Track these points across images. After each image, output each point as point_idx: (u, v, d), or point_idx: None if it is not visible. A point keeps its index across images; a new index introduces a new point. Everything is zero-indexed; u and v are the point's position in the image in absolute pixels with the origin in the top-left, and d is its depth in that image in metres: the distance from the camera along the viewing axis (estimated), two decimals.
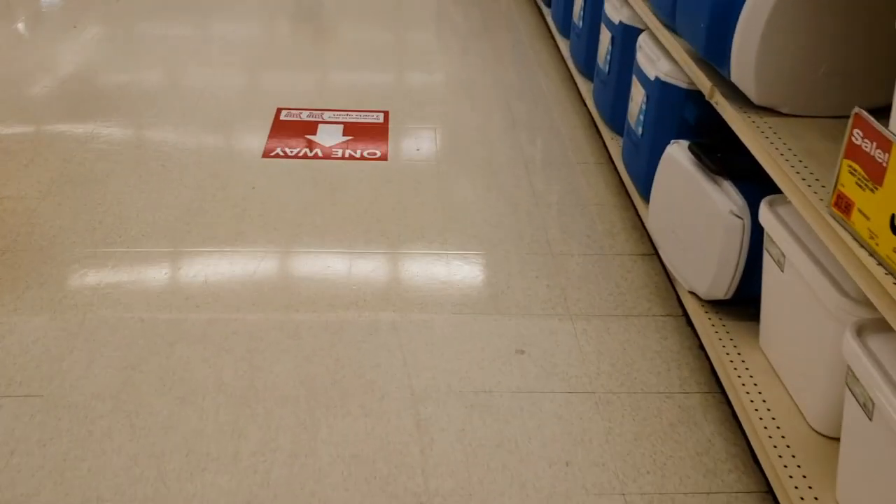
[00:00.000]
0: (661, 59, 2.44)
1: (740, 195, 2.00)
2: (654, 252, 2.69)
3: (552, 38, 4.37)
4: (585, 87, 3.56)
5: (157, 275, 2.51)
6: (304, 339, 2.25)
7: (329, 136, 3.37)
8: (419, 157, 3.25)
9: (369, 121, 3.53)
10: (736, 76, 1.87)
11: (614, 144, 3.07)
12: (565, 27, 3.93)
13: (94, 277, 2.46)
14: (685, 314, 2.38)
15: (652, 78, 2.45)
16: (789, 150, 1.77)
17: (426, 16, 4.96)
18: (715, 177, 2.06)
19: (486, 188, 3.03)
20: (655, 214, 2.38)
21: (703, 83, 2.09)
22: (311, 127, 3.44)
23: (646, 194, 2.61)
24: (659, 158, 2.42)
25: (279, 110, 3.57)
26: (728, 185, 2.03)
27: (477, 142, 3.38)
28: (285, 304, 2.38)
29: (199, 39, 4.42)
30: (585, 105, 3.60)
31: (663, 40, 2.43)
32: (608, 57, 3.04)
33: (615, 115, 3.04)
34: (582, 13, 3.49)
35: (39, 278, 2.43)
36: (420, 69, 4.19)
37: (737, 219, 1.98)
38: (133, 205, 2.82)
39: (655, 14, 2.51)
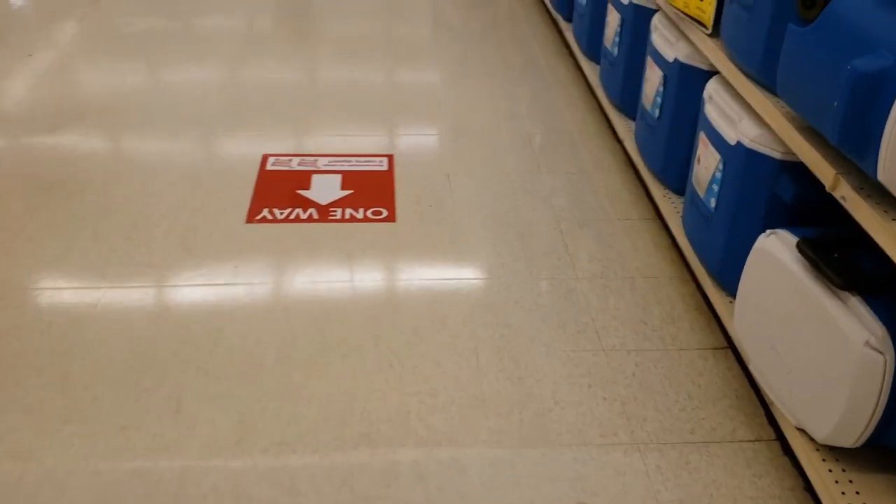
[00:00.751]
0: (745, 118, 1.94)
1: (878, 320, 1.51)
2: (728, 344, 2.21)
3: (579, 67, 3.87)
4: (623, 124, 3.06)
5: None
6: (305, 497, 1.76)
7: (325, 191, 2.86)
8: (432, 215, 2.75)
9: (371, 168, 3.03)
10: (886, 176, 1.38)
11: (666, 202, 2.58)
12: (593, 52, 3.44)
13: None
14: (780, 437, 1.91)
15: (732, 142, 1.96)
16: None
17: (425, 34, 4.44)
18: (839, 290, 1.58)
19: (514, 257, 2.54)
20: (744, 317, 1.90)
21: (822, 170, 1.60)
22: (304, 179, 2.93)
23: (719, 276, 2.13)
24: (739, 238, 1.96)
25: (265, 158, 3.06)
26: (858, 303, 1.55)
27: (497, 192, 2.88)
28: (277, 442, 1.88)
29: (171, 75, 3.89)
30: (622, 145, 3.10)
31: (747, 95, 1.94)
32: (657, 99, 2.54)
33: (668, 168, 2.55)
34: (617, 40, 2.99)
35: None
36: (426, 99, 3.68)
37: (875, 353, 1.49)
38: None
39: (732, 59, 2.01)
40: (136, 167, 2.97)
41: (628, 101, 2.99)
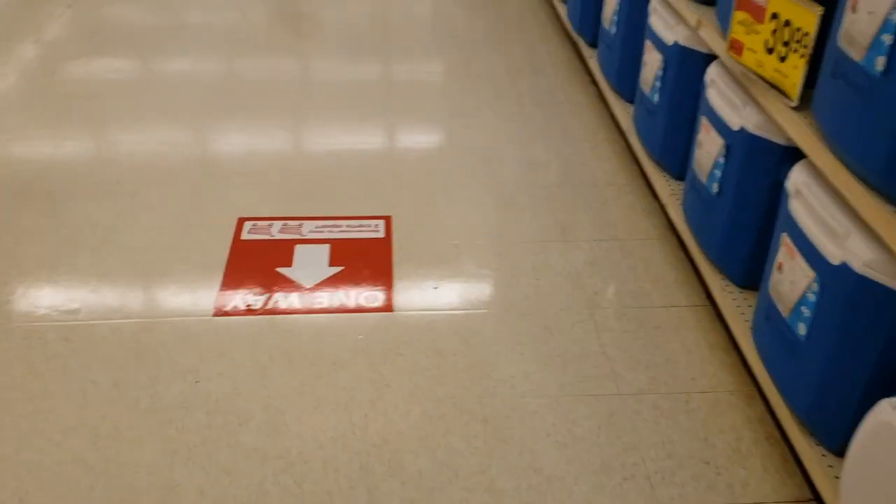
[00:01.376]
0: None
1: None
2: (813, 498, 1.75)
3: (605, 101, 3.39)
4: (663, 183, 2.59)
5: None
6: None
7: (310, 269, 2.39)
8: (436, 302, 2.28)
9: (365, 234, 2.56)
10: None
11: (725, 295, 2.11)
12: (625, 90, 2.97)
13: None
14: None
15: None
16: None
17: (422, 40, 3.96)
18: None
19: (540, 364, 2.08)
20: (857, 489, 1.43)
21: None
22: (285, 252, 2.46)
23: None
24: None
25: (241, 222, 2.59)
26: None
27: (515, 266, 2.41)
28: None
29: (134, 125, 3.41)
30: (663, 209, 2.63)
31: (853, 198, 1.46)
32: (714, 174, 2.07)
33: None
34: (658, 89, 2.52)
35: None
36: (426, 133, 3.20)
37: None
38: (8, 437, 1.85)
39: (829, 146, 1.54)
40: (81, 247, 2.50)
41: (670, 155, 2.53)
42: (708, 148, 2.07)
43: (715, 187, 2.06)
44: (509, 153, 3.04)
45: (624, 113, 2.99)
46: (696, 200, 2.23)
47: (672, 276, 2.41)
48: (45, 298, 2.24)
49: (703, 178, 2.13)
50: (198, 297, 2.27)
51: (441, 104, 3.43)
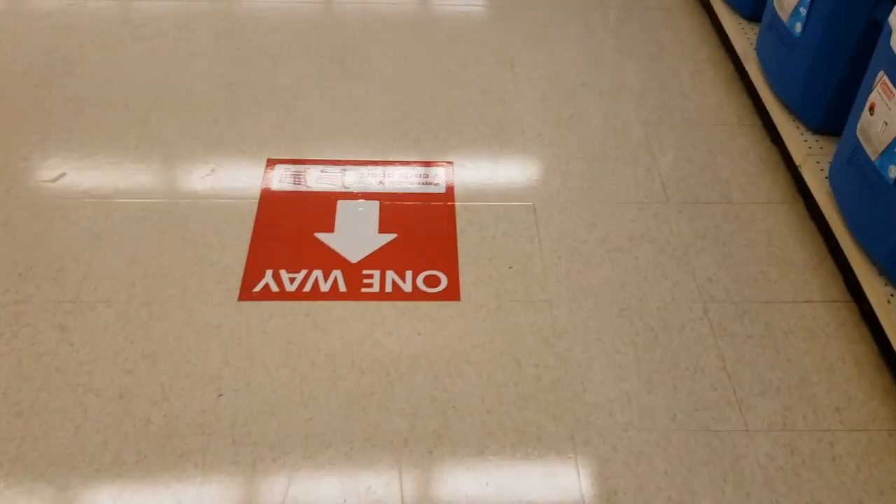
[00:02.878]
0: None
1: None
2: None
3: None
4: (797, 139, 2.08)
5: None
6: None
7: (356, 234, 1.96)
8: (512, 286, 1.85)
9: (422, 189, 2.10)
10: None
11: (876, 291, 1.65)
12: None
13: None
14: None
15: None
16: None
17: None
18: None
19: (645, 383, 1.66)
20: None
21: None
22: (326, 208, 2.02)
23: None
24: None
25: (270, 166, 2.14)
26: None
27: (609, 242, 1.96)
28: None
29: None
30: (802, 187, 2.13)
31: None
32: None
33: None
34: (802, 17, 1.96)
35: None
36: (499, 81, 2.68)
37: None
38: None
39: None
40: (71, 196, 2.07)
41: (811, 104, 2.01)
42: None
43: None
44: (589, 78, 2.51)
45: (738, 32, 2.44)
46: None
47: (803, 258, 1.94)
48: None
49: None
50: (219, 271, 1.85)
51: (503, 20, 2.87)
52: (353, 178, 2.11)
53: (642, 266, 1.91)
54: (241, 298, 1.80)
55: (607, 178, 2.15)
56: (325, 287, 1.83)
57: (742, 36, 2.42)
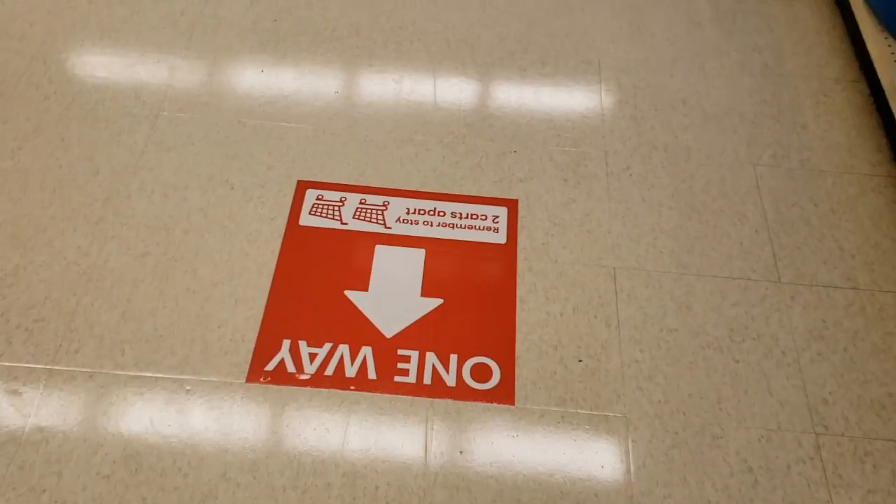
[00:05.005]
0: None
1: None
2: None
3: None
4: None
5: None
6: None
7: (393, 297, 1.61)
8: (584, 387, 1.50)
9: (478, 236, 1.73)
10: None
11: None
12: None
13: None
14: None
15: None
16: None
17: None
18: None
19: None
20: None
21: None
22: (363, 255, 1.67)
23: None
24: None
25: (301, 190, 1.78)
26: None
27: (704, 336, 1.59)
28: None
29: None
30: None
31: None
32: None
33: None
34: None
35: None
36: (584, 102, 2.24)
37: None
38: None
39: None
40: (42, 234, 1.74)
41: None
42: None
43: None
44: (691, 93, 2.08)
45: (884, 53, 1.98)
46: None
47: None
48: None
49: None
50: (229, 344, 1.53)
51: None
52: (395, 214, 1.74)
53: (743, 374, 1.54)
54: (249, 379, 1.47)
55: (707, 239, 1.75)
56: (350, 371, 1.50)
57: (888, 58, 1.96)
